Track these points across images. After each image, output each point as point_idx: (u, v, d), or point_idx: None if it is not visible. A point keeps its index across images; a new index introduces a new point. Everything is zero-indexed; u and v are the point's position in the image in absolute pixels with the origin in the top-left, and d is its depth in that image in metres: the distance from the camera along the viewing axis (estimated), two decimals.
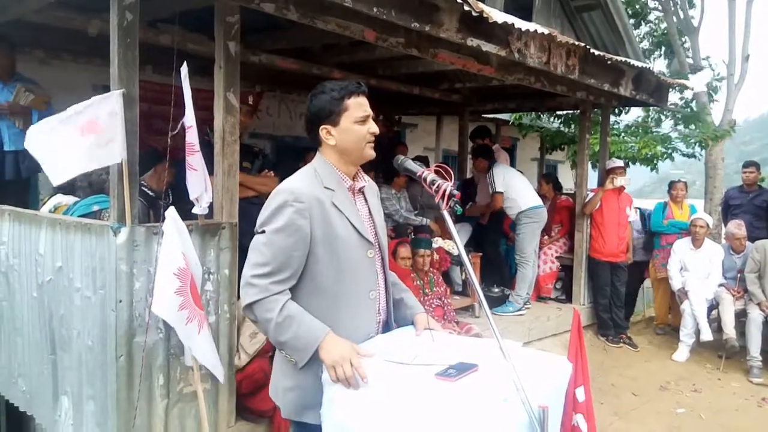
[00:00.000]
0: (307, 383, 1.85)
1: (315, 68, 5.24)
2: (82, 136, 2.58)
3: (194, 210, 2.97)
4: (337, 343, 1.75)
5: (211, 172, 3.05)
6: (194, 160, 2.86)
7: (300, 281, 1.87)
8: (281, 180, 1.99)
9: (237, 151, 3.15)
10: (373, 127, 1.91)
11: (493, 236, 6.44)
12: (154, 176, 3.90)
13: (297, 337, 1.76)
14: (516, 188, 5.85)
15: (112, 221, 2.75)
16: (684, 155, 10.12)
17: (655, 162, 9.41)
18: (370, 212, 2.02)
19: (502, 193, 5.79)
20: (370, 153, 1.93)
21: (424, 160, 6.67)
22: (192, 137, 2.83)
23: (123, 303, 2.70)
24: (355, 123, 1.88)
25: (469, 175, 7.77)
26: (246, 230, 3.64)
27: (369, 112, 1.91)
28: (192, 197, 2.94)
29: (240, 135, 3.28)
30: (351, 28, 3.49)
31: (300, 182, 1.89)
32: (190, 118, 2.81)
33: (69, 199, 3.79)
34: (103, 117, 2.60)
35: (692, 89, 7.03)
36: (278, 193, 1.87)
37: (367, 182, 2.05)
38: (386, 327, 2.06)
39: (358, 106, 1.89)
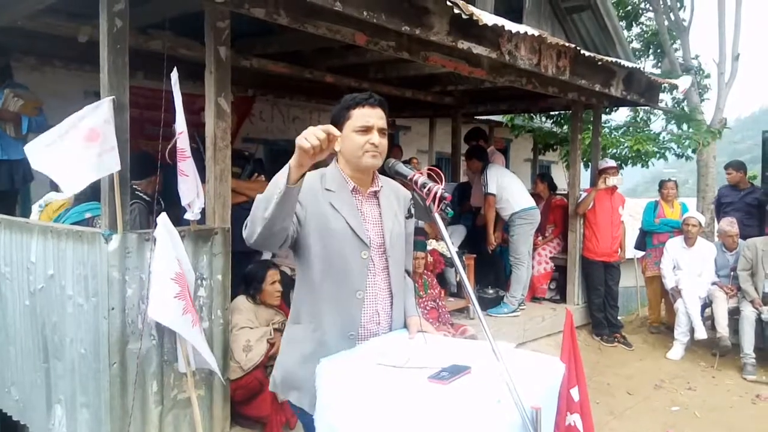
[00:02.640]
0: (290, 365, 1.98)
1: (307, 72, 5.25)
2: (86, 144, 2.59)
3: (186, 216, 2.97)
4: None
5: (202, 178, 3.05)
6: (185, 165, 2.86)
7: (297, 272, 1.99)
8: None
9: (228, 156, 3.16)
10: (374, 139, 1.92)
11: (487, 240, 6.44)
12: (150, 183, 3.90)
13: (271, 182, 1.72)
14: (509, 190, 5.85)
15: (103, 228, 2.74)
16: (676, 155, 10.18)
17: (647, 160, 9.46)
18: (380, 215, 2.02)
19: (494, 195, 5.80)
20: (370, 162, 1.93)
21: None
22: (183, 143, 2.83)
23: (115, 310, 2.69)
24: (354, 132, 1.92)
25: (463, 178, 7.78)
26: (239, 235, 3.66)
27: (372, 123, 1.92)
28: (184, 203, 2.93)
29: (232, 140, 3.28)
30: (341, 32, 3.49)
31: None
32: (181, 124, 2.81)
33: (61, 196, 3.78)
34: (101, 125, 2.60)
35: (678, 88, 7.06)
36: None
37: (381, 187, 2.06)
38: (390, 332, 2.07)
39: (361, 116, 1.92)
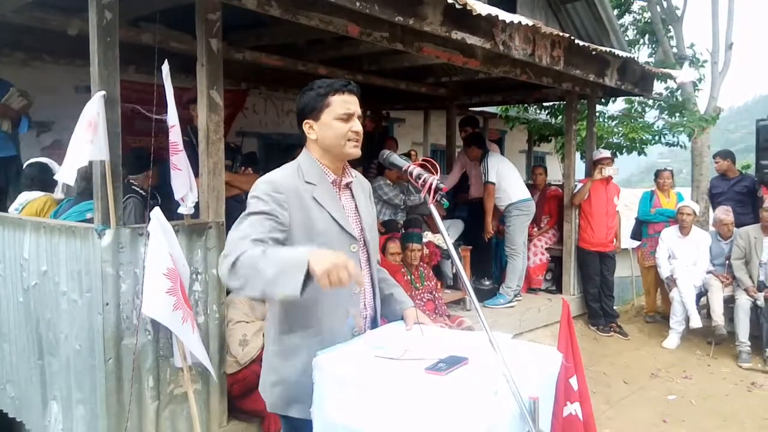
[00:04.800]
0: (292, 377, 1.87)
1: (300, 64, 5.21)
2: (85, 136, 2.56)
3: (180, 210, 2.95)
4: (326, 252, 1.59)
5: (195, 173, 3.03)
6: (178, 159, 2.84)
7: None
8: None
9: (222, 149, 3.13)
10: (356, 126, 1.90)
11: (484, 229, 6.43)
12: (147, 177, 3.87)
13: (284, 261, 1.59)
14: (508, 179, 5.83)
15: (96, 223, 2.72)
16: (670, 144, 10.20)
17: (642, 148, 9.48)
18: (356, 207, 2.01)
19: (494, 183, 5.77)
20: (353, 151, 1.91)
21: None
22: (175, 136, 2.80)
23: (110, 306, 2.67)
24: (336, 119, 1.88)
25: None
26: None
27: (353, 110, 1.90)
28: (177, 197, 2.91)
29: (225, 134, 3.25)
30: (334, 23, 3.46)
31: (280, 175, 1.90)
32: (172, 117, 2.78)
33: (35, 194, 3.76)
34: (95, 116, 2.58)
35: (675, 80, 7.05)
36: (258, 183, 1.87)
37: (354, 178, 2.04)
38: (374, 323, 2.06)
39: (342, 103, 1.88)
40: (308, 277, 1.54)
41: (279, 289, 1.57)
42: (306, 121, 1.92)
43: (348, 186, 2.02)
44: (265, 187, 1.83)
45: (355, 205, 2.01)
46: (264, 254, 1.63)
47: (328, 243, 1.85)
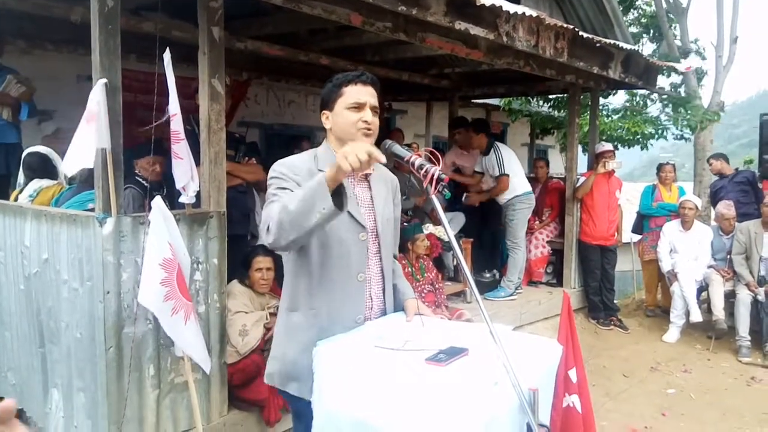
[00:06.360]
0: (290, 355, 1.93)
1: (302, 54, 5.18)
2: (87, 126, 2.56)
3: (181, 199, 2.95)
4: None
5: (197, 161, 3.02)
6: (180, 148, 2.83)
7: (290, 259, 1.95)
8: (265, 168, 1.99)
9: (223, 139, 3.12)
10: (367, 116, 1.90)
11: (485, 221, 6.41)
12: (148, 164, 3.85)
13: (304, 190, 1.70)
14: (515, 172, 5.80)
15: (97, 212, 2.71)
16: (674, 137, 10.17)
17: (645, 142, 9.45)
18: (372, 199, 2.01)
19: (508, 175, 5.70)
20: (363, 140, 1.90)
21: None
22: (177, 125, 2.79)
23: (111, 294, 2.67)
24: (347, 108, 1.90)
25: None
26: (235, 219, 3.65)
27: (365, 100, 1.90)
28: (178, 186, 2.91)
29: (227, 124, 3.24)
30: (337, 12, 3.44)
31: (296, 159, 1.97)
32: (174, 106, 2.77)
33: (48, 182, 3.76)
34: (94, 105, 2.57)
35: (679, 70, 7.04)
36: (275, 166, 1.93)
37: (374, 171, 2.04)
38: (383, 315, 2.06)
39: (354, 92, 1.90)
40: (336, 191, 1.65)
41: (314, 210, 1.64)
42: (323, 111, 1.98)
43: (366, 178, 2.02)
44: (282, 169, 1.91)
45: (371, 196, 2.01)
46: (285, 202, 1.72)
47: (336, 229, 1.87)
